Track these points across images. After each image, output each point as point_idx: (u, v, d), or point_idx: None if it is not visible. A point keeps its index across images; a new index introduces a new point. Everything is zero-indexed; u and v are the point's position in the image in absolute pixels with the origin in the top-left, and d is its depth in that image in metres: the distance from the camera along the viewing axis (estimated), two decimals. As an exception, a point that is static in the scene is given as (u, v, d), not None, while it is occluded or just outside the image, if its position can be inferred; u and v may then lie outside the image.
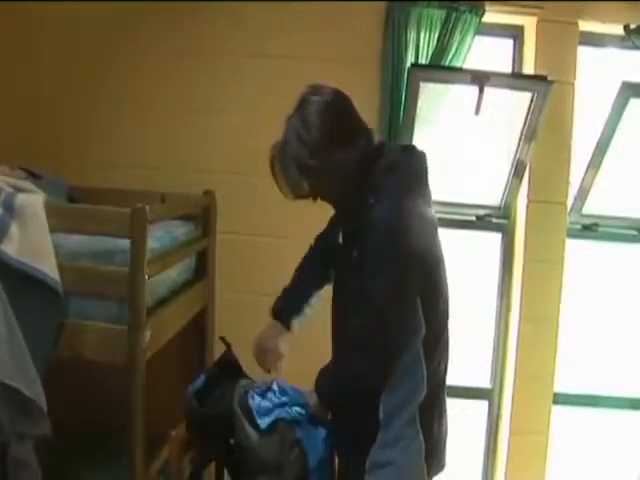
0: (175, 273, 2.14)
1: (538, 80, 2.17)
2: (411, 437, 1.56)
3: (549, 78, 2.18)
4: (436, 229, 1.59)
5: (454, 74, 2.18)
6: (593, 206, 2.50)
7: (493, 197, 2.52)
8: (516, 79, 2.24)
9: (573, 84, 2.40)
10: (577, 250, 2.55)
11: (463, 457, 2.74)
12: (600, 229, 2.54)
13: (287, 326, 1.80)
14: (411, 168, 1.59)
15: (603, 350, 2.64)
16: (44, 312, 1.76)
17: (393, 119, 2.34)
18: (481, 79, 2.11)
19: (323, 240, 1.84)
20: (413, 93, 2.18)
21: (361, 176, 1.54)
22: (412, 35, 2.33)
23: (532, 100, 2.21)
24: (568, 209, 2.48)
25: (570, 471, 2.65)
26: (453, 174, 2.48)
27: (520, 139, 2.32)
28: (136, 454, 1.83)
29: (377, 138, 1.61)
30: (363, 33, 2.38)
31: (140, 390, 1.81)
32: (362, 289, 1.52)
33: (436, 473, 1.66)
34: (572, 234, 2.52)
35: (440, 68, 2.20)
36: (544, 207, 2.46)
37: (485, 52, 2.52)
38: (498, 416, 2.64)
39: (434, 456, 1.62)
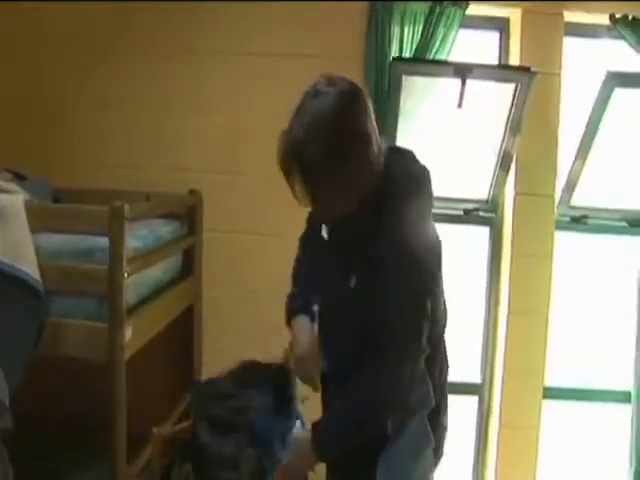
0: (160, 271, 2.19)
1: (521, 71, 2.20)
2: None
3: (533, 69, 2.20)
4: (440, 246, 1.54)
5: (436, 67, 2.22)
6: (582, 198, 2.52)
7: (480, 191, 2.54)
8: (499, 70, 2.26)
9: (559, 75, 2.42)
10: (567, 243, 2.57)
11: (453, 452, 2.79)
12: (590, 221, 2.56)
13: (313, 318, 1.69)
14: (420, 182, 1.53)
15: (593, 343, 2.66)
16: (26, 311, 1.82)
17: (377, 115, 2.36)
18: (463, 71, 2.14)
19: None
20: (395, 87, 2.21)
21: (371, 190, 1.43)
22: (396, 31, 2.36)
23: (515, 91, 2.23)
24: (556, 202, 2.51)
25: (560, 465, 2.67)
26: (440, 168, 2.47)
27: (505, 131, 2.35)
28: (117, 451, 1.88)
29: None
30: (346, 30, 2.42)
31: (121, 387, 1.86)
32: (369, 329, 1.48)
33: (437, 463, 1.69)
34: (561, 226, 2.55)
35: (422, 61, 2.24)
36: (531, 200, 2.48)
37: (471, 45, 2.55)
38: (488, 411, 2.67)
39: (440, 446, 1.67)
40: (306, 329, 1.66)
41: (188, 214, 2.42)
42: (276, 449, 1.68)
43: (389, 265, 1.44)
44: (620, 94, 2.23)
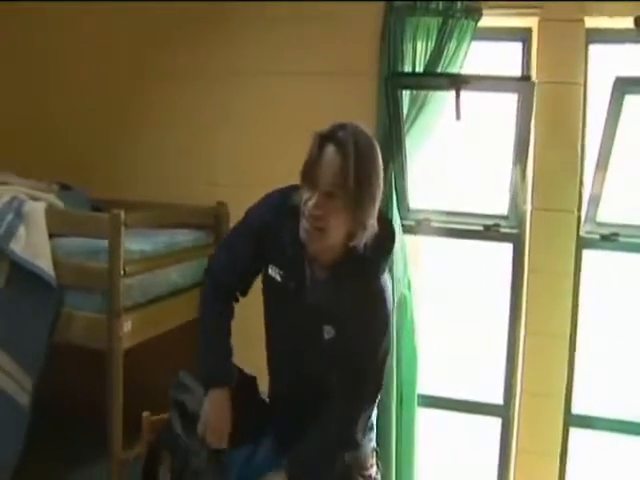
0: (176, 275, 2.47)
1: (520, 81, 2.21)
2: None
3: (533, 78, 2.21)
4: None
5: (432, 79, 2.29)
6: (611, 214, 2.44)
7: (500, 206, 2.55)
8: (497, 81, 2.28)
9: (580, 84, 2.38)
10: (596, 261, 2.50)
11: (477, 473, 2.79)
12: (621, 239, 2.46)
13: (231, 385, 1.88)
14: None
15: (624, 368, 2.54)
16: (42, 302, 2.18)
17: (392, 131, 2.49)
18: (458, 83, 2.20)
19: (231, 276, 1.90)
20: (394, 102, 2.32)
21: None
22: (409, 46, 2.46)
23: (518, 102, 2.25)
24: (583, 217, 2.45)
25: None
26: (457, 183, 2.57)
27: (516, 143, 2.36)
28: (113, 436, 2.16)
29: None
30: (360, 46, 2.56)
31: (118, 374, 2.16)
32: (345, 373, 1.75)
33: None
34: (589, 244, 2.48)
35: (417, 74, 2.33)
36: (550, 215, 2.45)
37: (495, 57, 2.59)
38: (509, 434, 2.63)
39: None
40: (220, 403, 1.83)
41: (215, 224, 2.70)
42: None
43: (378, 316, 1.72)
44: (631, 101, 2.16)
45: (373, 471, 2.04)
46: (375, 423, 2.03)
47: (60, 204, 2.38)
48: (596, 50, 2.43)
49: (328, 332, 1.76)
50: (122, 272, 2.12)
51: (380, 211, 1.71)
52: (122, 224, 2.10)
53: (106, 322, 2.13)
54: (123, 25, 2.84)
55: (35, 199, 2.29)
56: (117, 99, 2.88)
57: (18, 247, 2.16)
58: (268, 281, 1.83)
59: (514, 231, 2.57)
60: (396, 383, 2.57)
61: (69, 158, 2.83)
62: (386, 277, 1.80)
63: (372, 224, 1.65)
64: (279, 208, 1.79)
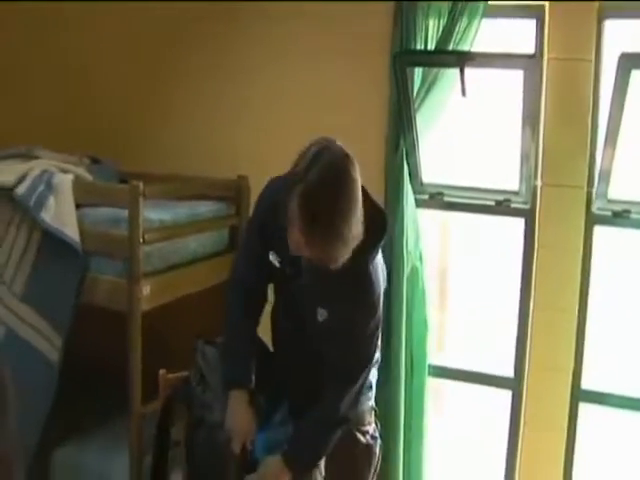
0: (195, 244, 2.63)
1: (524, 58, 2.25)
2: None
3: (536, 54, 2.25)
4: None
5: (439, 57, 2.36)
6: (622, 191, 2.47)
7: (511, 182, 2.61)
8: (502, 57, 2.32)
9: (590, 61, 2.40)
10: (607, 238, 2.53)
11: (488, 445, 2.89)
12: (632, 216, 2.49)
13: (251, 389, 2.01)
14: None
15: (637, 346, 2.57)
16: (70, 267, 2.38)
17: (401, 108, 2.57)
18: (463, 60, 2.26)
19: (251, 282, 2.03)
20: (403, 79, 2.40)
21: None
22: (421, 24, 2.52)
23: (524, 79, 2.29)
24: (593, 194, 2.49)
25: (593, 474, 2.62)
26: (469, 159, 2.64)
27: (523, 120, 2.41)
28: (132, 392, 2.36)
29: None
30: (373, 25, 2.64)
31: (137, 334, 2.35)
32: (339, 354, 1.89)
33: None
34: (601, 221, 2.52)
35: (423, 52, 2.40)
36: (561, 191, 2.50)
37: (511, 35, 2.63)
38: (519, 407, 2.71)
39: None
40: (242, 407, 1.98)
41: (236, 196, 2.86)
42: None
43: (367, 299, 1.85)
44: (638, 77, 2.18)
45: (371, 428, 2.18)
46: (374, 384, 2.17)
47: (88, 176, 2.57)
48: (611, 26, 2.44)
49: (321, 314, 1.90)
50: (141, 240, 2.30)
51: (371, 199, 1.79)
52: (141, 195, 2.28)
53: (126, 286, 2.32)
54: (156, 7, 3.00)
55: (64, 172, 2.48)
56: (147, 78, 3.06)
57: (48, 216, 2.36)
58: (270, 267, 1.96)
59: (525, 206, 2.62)
60: (405, 353, 2.68)
61: (102, 134, 3.03)
62: (377, 260, 1.92)
63: (356, 233, 1.66)
64: (277, 195, 1.87)
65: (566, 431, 2.60)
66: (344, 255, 1.66)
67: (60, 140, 2.87)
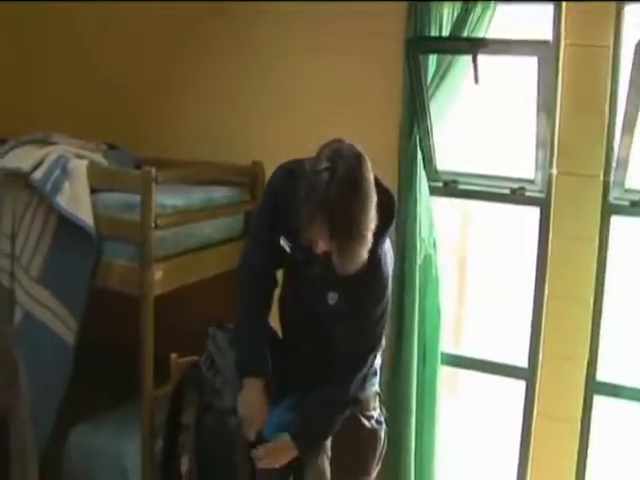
0: (210, 229, 2.66)
1: (538, 44, 2.22)
2: None
3: (552, 40, 2.22)
4: None
5: (451, 43, 2.35)
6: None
7: (526, 170, 2.59)
8: (515, 44, 2.30)
9: (609, 47, 2.37)
10: (624, 228, 2.50)
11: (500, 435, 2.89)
12: (651, 205, 2.45)
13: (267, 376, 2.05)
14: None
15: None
16: (84, 251, 2.43)
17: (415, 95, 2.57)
18: (476, 47, 2.25)
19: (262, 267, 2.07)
20: (415, 66, 2.39)
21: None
22: (435, 11, 2.50)
23: (538, 65, 2.27)
24: (610, 183, 2.45)
25: (606, 465, 2.60)
26: (484, 146, 2.63)
27: (538, 107, 2.38)
28: (144, 375, 2.40)
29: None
30: (387, 15, 2.62)
31: (149, 318, 2.39)
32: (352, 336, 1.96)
33: None
34: (618, 210, 2.48)
35: (435, 39, 2.38)
36: (577, 180, 2.47)
37: (530, 20, 2.59)
38: (532, 398, 2.70)
39: None
40: (257, 395, 2.02)
41: (251, 182, 2.88)
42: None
43: (376, 282, 1.90)
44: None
45: (376, 413, 2.21)
46: (379, 369, 2.20)
47: (104, 162, 2.61)
48: (631, 11, 2.39)
49: (332, 298, 1.95)
50: (153, 225, 2.34)
51: (381, 184, 1.82)
52: (153, 180, 2.31)
53: (139, 270, 2.37)
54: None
55: (80, 157, 2.53)
56: (165, 65, 3.10)
57: (63, 201, 2.41)
58: (281, 251, 2.00)
59: (540, 195, 2.59)
60: (417, 340, 2.69)
61: (119, 121, 3.10)
62: (386, 244, 1.96)
63: (372, 229, 1.73)
64: (286, 182, 1.95)
65: (580, 423, 2.59)
66: (364, 256, 1.73)
67: (79, 126, 2.92)
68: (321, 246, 1.78)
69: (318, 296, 1.97)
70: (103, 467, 2.57)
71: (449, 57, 2.46)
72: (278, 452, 2.03)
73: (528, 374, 2.72)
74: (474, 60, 2.25)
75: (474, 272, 3.05)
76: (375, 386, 2.22)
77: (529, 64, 2.42)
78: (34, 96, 3.26)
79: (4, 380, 1.83)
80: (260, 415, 2.03)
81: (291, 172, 1.92)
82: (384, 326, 2.04)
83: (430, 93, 2.50)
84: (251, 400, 2.03)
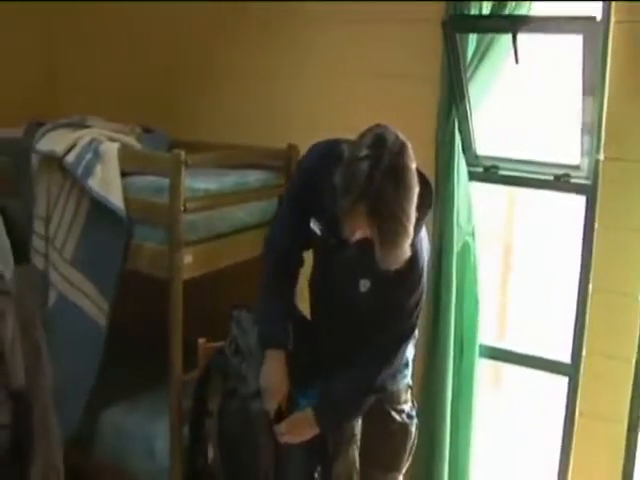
0: (243, 213, 2.63)
1: (584, 21, 2.09)
2: None
3: (597, 18, 2.09)
4: None
5: (489, 22, 2.24)
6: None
7: (571, 155, 2.46)
8: (559, 22, 2.16)
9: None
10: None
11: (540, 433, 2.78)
12: None
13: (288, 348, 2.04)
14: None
15: None
16: (115, 234, 2.44)
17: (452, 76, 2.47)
18: (516, 25, 2.14)
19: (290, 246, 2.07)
20: (452, 45, 2.29)
21: None
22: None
23: (583, 44, 2.14)
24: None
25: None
26: (526, 130, 2.51)
27: (584, 89, 2.25)
28: (173, 359, 2.40)
29: None
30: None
31: (178, 302, 2.38)
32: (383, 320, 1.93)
33: None
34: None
35: (473, 17, 2.27)
36: (625, 166, 2.33)
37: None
38: (575, 395, 2.58)
39: None
40: (278, 366, 2.00)
41: (285, 166, 2.83)
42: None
43: (411, 272, 1.84)
44: None
45: (407, 407, 2.16)
46: (411, 361, 2.17)
47: (137, 145, 2.62)
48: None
49: (364, 285, 1.91)
50: (182, 208, 2.33)
51: (420, 172, 1.76)
52: (182, 163, 2.29)
53: (168, 254, 2.36)
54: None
55: (113, 140, 2.54)
56: (203, 48, 3.09)
57: (95, 184, 2.42)
58: (311, 234, 1.97)
59: (586, 182, 2.46)
60: (454, 332, 2.61)
61: (158, 105, 3.11)
62: (422, 233, 1.91)
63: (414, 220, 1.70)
64: (321, 162, 1.91)
65: (626, 424, 2.46)
66: (407, 249, 1.70)
67: (118, 110, 2.96)
68: (358, 235, 1.73)
69: (349, 282, 1.93)
70: (133, 449, 2.59)
71: (489, 37, 2.35)
72: (300, 427, 2.01)
73: (571, 370, 2.60)
74: (514, 39, 2.13)
75: (520, 261, 2.93)
76: (407, 378, 2.17)
77: (575, 41, 2.30)
78: (73, 80, 3.31)
79: (27, 362, 1.86)
80: (281, 386, 2.02)
81: (327, 153, 1.89)
82: (418, 316, 1.99)
83: (469, 74, 2.40)
84: (272, 370, 2.01)
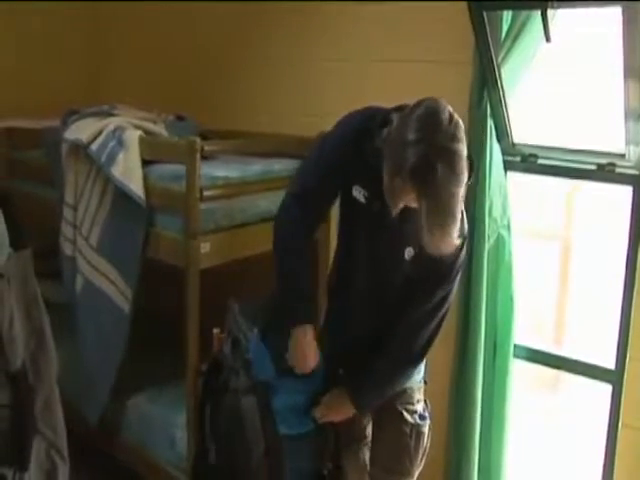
0: (265, 202, 2.60)
1: (622, -4, 1.93)
2: None
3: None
4: None
5: (518, -1, 2.11)
6: None
7: (616, 143, 2.29)
8: None
9: None
10: None
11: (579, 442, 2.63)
12: None
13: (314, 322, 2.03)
14: None
15: None
16: (136, 221, 2.49)
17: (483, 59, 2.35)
18: (546, 1, 2.00)
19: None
20: (479, 26, 2.18)
21: None
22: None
23: (623, 20, 1.97)
24: None
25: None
26: (567, 117, 2.37)
27: (626, 71, 2.09)
28: (190, 348, 2.43)
29: None
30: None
31: (195, 290, 2.40)
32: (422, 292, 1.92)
33: None
34: None
35: None
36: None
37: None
38: (618, 404, 2.43)
39: None
40: (307, 341, 1.96)
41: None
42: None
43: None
44: None
45: (420, 407, 2.10)
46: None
47: (163, 132, 2.66)
48: None
49: (409, 252, 1.90)
50: (199, 196, 2.34)
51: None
52: (197, 150, 2.30)
53: (184, 242, 2.39)
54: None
55: (137, 128, 2.59)
56: (237, 39, 3.12)
57: (117, 171, 2.47)
58: (350, 203, 1.94)
59: (633, 172, 2.30)
60: (485, 329, 2.51)
61: (190, 93, 3.19)
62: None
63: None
64: (369, 126, 1.85)
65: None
66: (455, 236, 1.69)
67: (151, 99, 3.03)
68: (402, 205, 1.72)
69: (393, 250, 1.91)
70: (156, 437, 2.66)
71: (523, 15, 2.23)
72: (336, 406, 2.04)
73: (615, 377, 2.45)
74: (543, 15, 2.00)
75: (578, 261, 2.78)
76: (421, 373, 2.11)
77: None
78: (108, 70, 3.40)
79: (31, 345, 1.92)
80: (312, 362, 1.98)
81: (374, 117, 1.86)
82: (454, 286, 1.96)
83: (502, 56, 2.28)
84: (301, 346, 1.96)
